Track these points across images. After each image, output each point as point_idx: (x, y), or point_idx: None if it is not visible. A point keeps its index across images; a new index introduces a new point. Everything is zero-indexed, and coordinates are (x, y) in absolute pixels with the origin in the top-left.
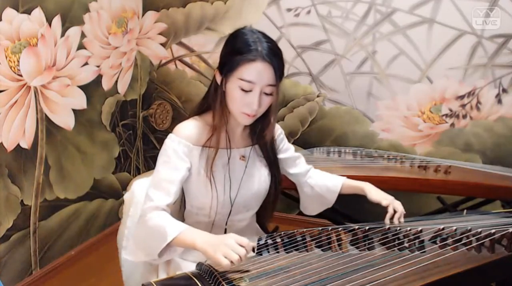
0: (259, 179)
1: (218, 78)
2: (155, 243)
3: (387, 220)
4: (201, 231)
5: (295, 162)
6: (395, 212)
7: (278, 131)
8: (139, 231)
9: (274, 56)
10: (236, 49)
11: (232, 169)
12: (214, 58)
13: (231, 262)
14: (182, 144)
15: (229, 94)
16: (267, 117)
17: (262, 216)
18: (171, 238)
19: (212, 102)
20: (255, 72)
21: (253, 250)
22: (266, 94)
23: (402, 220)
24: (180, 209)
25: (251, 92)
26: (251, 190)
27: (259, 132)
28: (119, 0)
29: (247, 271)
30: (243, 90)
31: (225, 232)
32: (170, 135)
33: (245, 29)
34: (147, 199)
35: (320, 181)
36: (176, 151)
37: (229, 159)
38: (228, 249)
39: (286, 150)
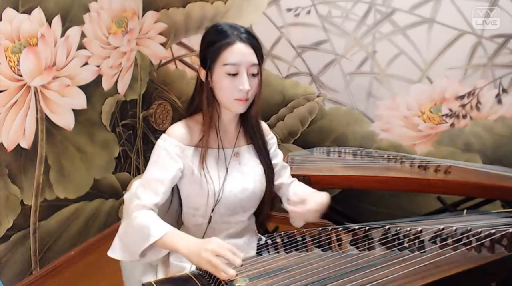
0: (254, 178)
1: (202, 75)
2: (137, 243)
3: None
4: (185, 235)
5: (280, 172)
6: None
7: (270, 135)
8: (123, 229)
9: (251, 37)
10: (213, 39)
11: (226, 166)
12: None
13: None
14: (174, 144)
15: (217, 85)
16: (254, 107)
17: (260, 215)
18: (154, 239)
19: (200, 101)
20: (237, 53)
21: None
22: (253, 75)
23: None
24: (177, 213)
25: (238, 75)
26: (247, 190)
27: (252, 131)
28: (119, 0)
29: (247, 271)
30: (230, 75)
31: (224, 233)
32: (162, 135)
33: (217, 23)
34: (135, 198)
35: (296, 193)
36: (168, 151)
37: (224, 157)
38: (210, 255)
39: (274, 157)
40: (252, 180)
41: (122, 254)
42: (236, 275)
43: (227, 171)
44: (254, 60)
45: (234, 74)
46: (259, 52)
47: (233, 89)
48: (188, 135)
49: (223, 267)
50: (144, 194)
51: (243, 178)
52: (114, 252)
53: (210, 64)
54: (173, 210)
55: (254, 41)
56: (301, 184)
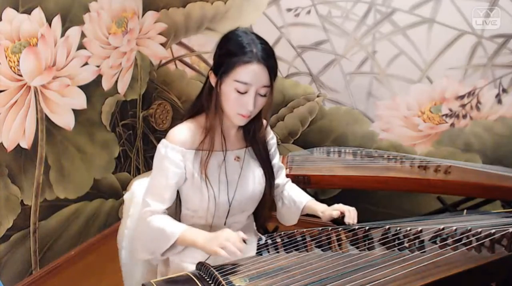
0: (253, 180)
1: (213, 80)
2: (159, 244)
3: (347, 220)
4: (200, 230)
5: (277, 173)
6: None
7: (270, 135)
8: (141, 233)
9: (269, 58)
10: (231, 51)
11: (227, 170)
12: None
13: (228, 252)
14: (175, 149)
15: (224, 95)
16: (259, 118)
17: (260, 216)
18: (174, 239)
19: (206, 104)
20: (251, 74)
21: (244, 241)
22: (261, 95)
23: (355, 220)
24: (176, 212)
25: (246, 94)
26: (246, 192)
27: (252, 134)
28: (119, 0)
29: (247, 271)
30: (238, 91)
31: None
32: (162, 141)
33: (238, 31)
34: (144, 204)
35: (290, 195)
36: (169, 156)
37: (224, 160)
38: (223, 240)
39: (273, 157)
40: (252, 182)
41: (145, 254)
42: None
43: (227, 176)
44: (266, 82)
45: (243, 92)
46: (273, 72)
47: (238, 105)
48: (189, 138)
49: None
50: (152, 201)
51: (243, 180)
52: (140, 254)
53: (222, 73)
54: (171, 210)
55: (270, 61)
56: (294, 185)
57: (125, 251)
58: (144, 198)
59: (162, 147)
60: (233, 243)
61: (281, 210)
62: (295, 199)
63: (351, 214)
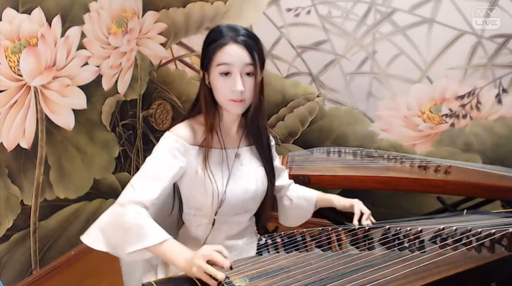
0: (256, 179)
1: (202, 75)
2: (127, 240)
3: (355, 222)
4: (182, 246)
5: (279, 174)
6: (362, 214)
7: (270, 137)
8: (110, 219)
9: (247, 38)
10: (210, 40)
11: (229, 167)
12: None
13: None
14: (179, 142)
15: (213, 85)
16: (259, 116)
17: (261, 217)
18: (149, 244)
19: (201, 102)
20: (229, 54)
21: (231, 268)
22: (247, 74)
23: (369, 221)
24: (176, 215)
25: (231, 75)
26: (249, 190)
27: (255, 131)
28: (119, 0)
29: (247, 271)
30: (223, 75)
31: (224, 234)
32: (166, 133)
33: (221, 25)
34: (130, 188)
35: (298, 193)
36: (171, 148)
37: (227, 158)
38: (199, 271)
39: (273, 159)
40: (255, 181)
41: (104, 246)
42: (227, 277)
43: (229, 172)
44: (248, 60)
45: (227, 74)
46: (255, 52)
47: (226, 90)
48: (192, 135)
49: (212, 270)
50: (140, 187)
51: (246, 178)
52: (93, 242)
53: (206, 65)
54: (172, 215)
55: (250, 41)
56: (298, 185)
57: (85, 235)
58: (131, 182)
59: (165, 139)
60: (213, 258)
61: (288, 210)
62: (304, 195)
63: (364, 216)
